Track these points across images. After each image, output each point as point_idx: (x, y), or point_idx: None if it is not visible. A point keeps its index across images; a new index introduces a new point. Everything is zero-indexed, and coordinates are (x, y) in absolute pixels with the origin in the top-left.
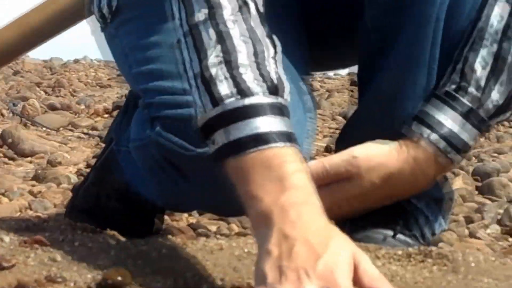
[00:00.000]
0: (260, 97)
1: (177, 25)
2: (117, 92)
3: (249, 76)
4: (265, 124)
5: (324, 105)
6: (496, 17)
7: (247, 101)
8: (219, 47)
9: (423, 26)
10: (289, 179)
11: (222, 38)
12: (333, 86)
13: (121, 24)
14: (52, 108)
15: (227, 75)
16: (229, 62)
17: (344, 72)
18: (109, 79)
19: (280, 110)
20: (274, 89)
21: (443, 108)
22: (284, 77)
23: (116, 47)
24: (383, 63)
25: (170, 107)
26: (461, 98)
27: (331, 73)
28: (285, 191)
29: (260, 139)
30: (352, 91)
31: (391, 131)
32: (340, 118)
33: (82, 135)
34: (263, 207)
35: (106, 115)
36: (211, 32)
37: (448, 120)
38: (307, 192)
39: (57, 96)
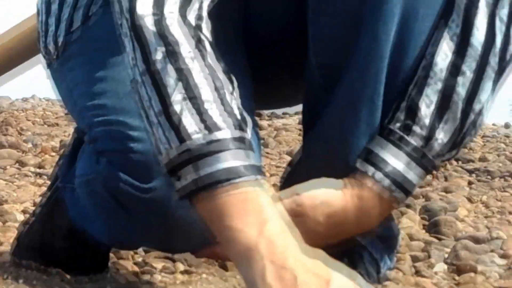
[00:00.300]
0: (227, 132)
1: (132, 65)
2: (65, 130)
3: (214, 111)
4: (235, 158)
5: (272, 144)
6: (440, 55)
7: (215, 136)
8: (180, 84)
9: (368, 63)
10: (267, 210)
11: (183, 75)
12: (281, 125)
13: (67, 60)
14: None
15: (193, 111)
16: (193, 98)
17: (292, 111)
18: (57, 117)
19: (247, 145)
20: (239, 124)
21: (388, 146)
22: (245, 113)
23: (62, 83)
24: (327, 100)
25: (116, 142)
26: (406, 137)
27: (279, 112)
28: (266, 222)
29: (232, 173)
30: (300, 129)
31: (336, 169)
32: (287, 157)
33: (30, 174)
34: (248, 240)
35: (53, 154)
36: (171, 69)
37: (393, 158)
38: (286, 221)
39: (4, 135)
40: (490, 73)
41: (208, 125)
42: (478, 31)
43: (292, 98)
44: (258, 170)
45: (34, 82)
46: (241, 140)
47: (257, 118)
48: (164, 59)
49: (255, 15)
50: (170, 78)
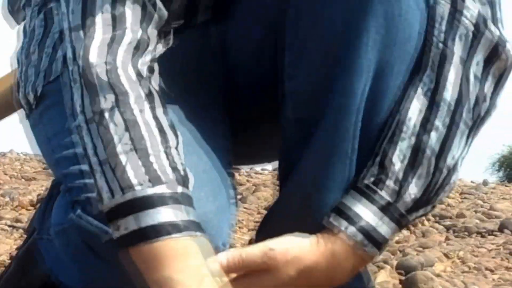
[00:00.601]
0: (170, 186)
1: (78, 111)
2: (42, 185)
3: (159, 165)
4: (175, 213)
5: (250, 199)
6: (414, 110)
7: (158, 190)
8: (127, 134)
9: (342, 118)
10: (205, 267)
11: (130, 126)
12: (259, 181)
13: (45, 110)
14: None
15: (139, 163)
16: (139, 150)
17: (271, 167)
18: (34, 172)
19: (189, 200)
20: (182, 180)
21: (361, 200)
22: (187, 169)
23: (40, 133)
24: (302, 154)
25: (91, 191)
26: (379, 191)
27: (258, 168)
28: (204, 278)
29: (174, 227)
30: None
31: (310, 223)
32: (265, 212)
33: (6, 227)
34: None
35: (30, 208)
36: (118, 119)
37: (366, 212)
38: (223, 280)
39: None
40: (463, 129)
41: (152, 178)
42: (451, 86)
43: (271, 154)
44: (198, 226)
45: (11, 136)
46: (183, 196)
47: (235, 174)
48: (113, 108)
49: (233, 73)
50: (117, 128)
